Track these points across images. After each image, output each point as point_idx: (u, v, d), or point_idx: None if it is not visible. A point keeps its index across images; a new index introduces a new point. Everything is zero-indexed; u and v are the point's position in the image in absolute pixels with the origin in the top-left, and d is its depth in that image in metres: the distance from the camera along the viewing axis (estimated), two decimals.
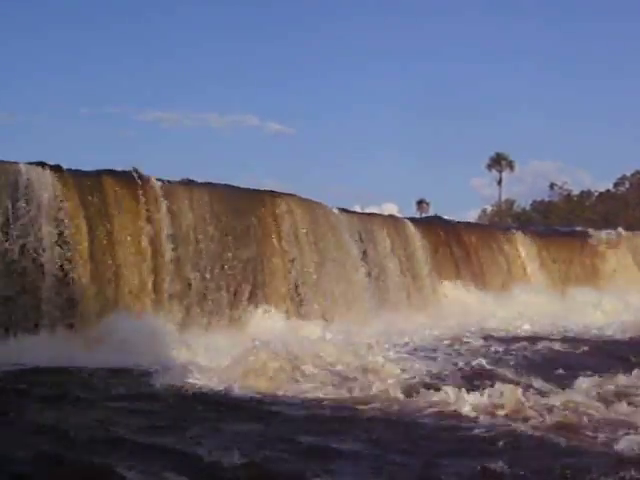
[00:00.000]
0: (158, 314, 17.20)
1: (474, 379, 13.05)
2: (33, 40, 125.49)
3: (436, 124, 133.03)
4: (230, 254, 19.85)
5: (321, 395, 11.70)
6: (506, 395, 10.81)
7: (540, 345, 18.83)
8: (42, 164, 17.13)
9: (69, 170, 17.68)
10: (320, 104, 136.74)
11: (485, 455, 8.22)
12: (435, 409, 10.66)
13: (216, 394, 11.69)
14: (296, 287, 21.44)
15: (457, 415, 10.30)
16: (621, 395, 11.47)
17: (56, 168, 17.27)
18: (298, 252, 21.80)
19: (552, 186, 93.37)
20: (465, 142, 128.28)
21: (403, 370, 13.81)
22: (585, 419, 9.94)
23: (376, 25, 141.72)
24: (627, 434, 9.01)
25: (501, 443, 8.76)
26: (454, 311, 25.51)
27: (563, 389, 11.78)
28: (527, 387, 11.86)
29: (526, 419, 9.92)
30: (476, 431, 9.40)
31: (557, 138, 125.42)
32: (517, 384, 11.87)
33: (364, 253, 25.08)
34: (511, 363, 15.64)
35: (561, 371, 14.13)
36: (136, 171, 18.74)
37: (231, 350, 14.10)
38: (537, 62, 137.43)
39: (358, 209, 31.82)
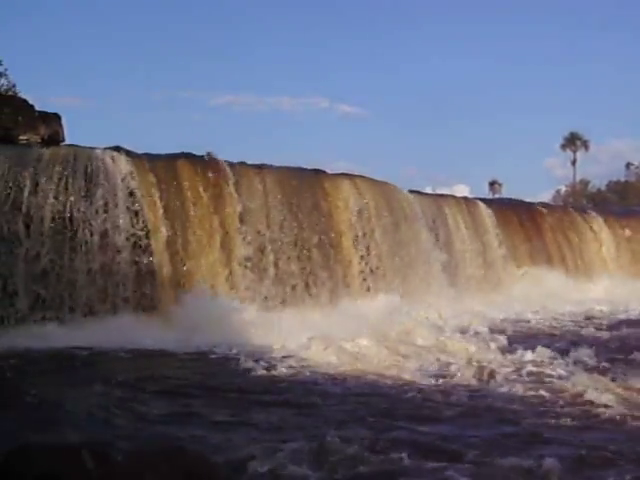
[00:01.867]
0: (234, 295, 17.32)
1: None
2: (105, 25, 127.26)
3: (509, 104, 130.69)
4: (302, 236, 19.89)
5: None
6: None
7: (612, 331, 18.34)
8: (117, 148, 17.44)
9: (144, 154, 17.97)
10: (390, 86, 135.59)
11: None
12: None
13: (305, 379, 11.62)
14: (369, 270, 21.34)
15: None
16: None
17: (131, 152, 17.56)
18: (370, 234, 21.70)
19: (628, 166, 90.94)
20: (538, 122, 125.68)
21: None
22: None
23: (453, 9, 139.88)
24: None
25: None
26: (528, 293, 25.07)
27: None
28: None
29: None
30: None
31: (634, 116, 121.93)
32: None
33: (436, 235, 24.86)
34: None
35: None
36: (209, 154, 18.92)
37: (309, 332, 14.14)
38: (610, 40, 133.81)
39: (429, 191, 31.55)
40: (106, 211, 16.30)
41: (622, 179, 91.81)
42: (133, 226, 16.54)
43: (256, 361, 12.53)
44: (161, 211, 17.10)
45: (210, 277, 17.51)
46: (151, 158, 18.08)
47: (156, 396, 10.24)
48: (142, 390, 10.56)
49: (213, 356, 13.38)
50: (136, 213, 16.67)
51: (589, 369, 12.10)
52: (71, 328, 14.75)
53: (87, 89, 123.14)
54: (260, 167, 20.37)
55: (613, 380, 11.07)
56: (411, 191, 25.67)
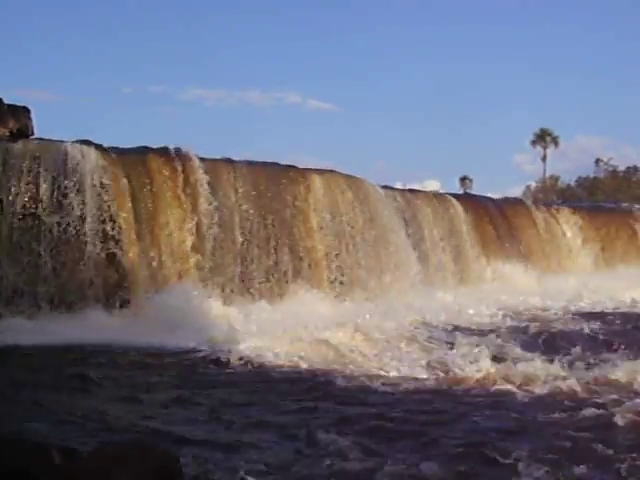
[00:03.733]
0: (204, 290, 17.28)
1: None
2: (74, 18, 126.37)
3: (480, 100, 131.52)
4: (271, 230, 19.89)
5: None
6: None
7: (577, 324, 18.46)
8: (87, 142, 17.33)
9: (113, 148, 17.87)
10: (361, 81, 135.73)
11: None
12: None
13: (278, 372, 11.66)
14: (340, 265, 21.39)
15: None
16: None
17: (100, 146, 17.45)
18: (339, 228, 21.75)
19: (597, 162, 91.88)
20: (508, 118, 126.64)
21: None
22: None
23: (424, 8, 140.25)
24: None
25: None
26: (497, 289, 25.25)
27: None
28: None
29: None
30: None
31: (603, 113, 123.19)
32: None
33: (407, 229, 24.94)
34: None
35: None
36: (179, 150, 18.84)
37: (278, 326, 14.17)
38: (581, 38, 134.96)
39: (400, 186, 31.61)
40: (75, 205, 16.21)
41: (591, 175, 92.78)
42: (103, 221, 16.46)
43: (224, 356, 12.53)
44: (131, 205, 17.03)
45: (180, 272, 17.47)
46: (121, 152, 17.98)
47: (122, 392, 10.22)
48: (108, 386, 10.54)
49: (182, 351, 13.29)
50: (106, 207, 16.59)
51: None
52: (39, 323, 14.67)
53: (56, 83, 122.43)
54: (231, 162, 20.33)
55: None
56: (382, 186, 25.73)
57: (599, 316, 20.01)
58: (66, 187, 16.26)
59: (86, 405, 9.32)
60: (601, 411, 8.84)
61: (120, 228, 16.62)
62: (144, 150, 18.59)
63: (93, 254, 16.19)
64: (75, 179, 16.39)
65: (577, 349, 12.95)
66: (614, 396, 9.59)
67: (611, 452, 7.35)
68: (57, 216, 16.00)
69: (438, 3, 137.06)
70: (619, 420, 8.41)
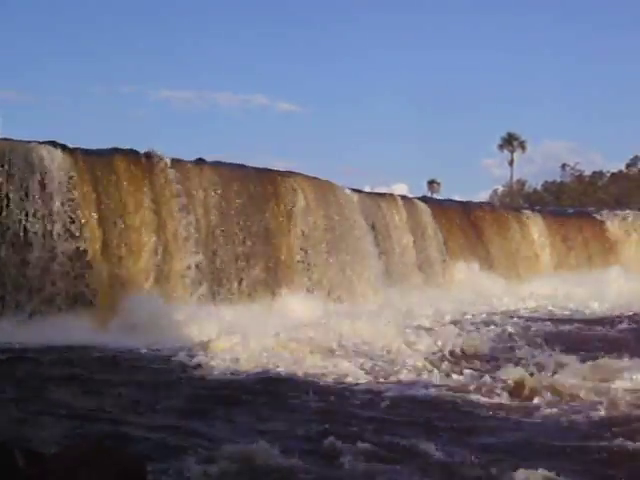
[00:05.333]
0: (171, 293, 17.23)
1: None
2: (45, 18, 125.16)
3: (447, 104, 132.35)
4: (240, 233, 19.89)
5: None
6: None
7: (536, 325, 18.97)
8: (53, 143, 17.20)
9: (81, 149, 17.74)
10: (330, 84, 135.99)
11: None
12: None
13: (237, 377, 11.68)
14: (308, 268, 21.44)
15: None
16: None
17: (68, 147, 17.33)
18: (308, 231, 21.81)
19: (564, 167, 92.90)
20: (476, 122, 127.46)
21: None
22: None
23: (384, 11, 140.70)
24: None
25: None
26: (463, 291, 25.48)
27: None
28: None
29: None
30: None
31: (569, 118, 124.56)
32: None
33: (375, 232, 25.06)
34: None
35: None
36: (148, 151, 18.76)
37: (246, 329, 14.19)
38: (549, 43, 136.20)
39: (368, 189, 31.75)
40: (41, 206, 16.08)
41: (557, 179, 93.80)
42: (69, 222, 16.32)
43: (189, 359, 12.57)
44: (97, 207, 16.92)
45: (147, 274, 17.39)
46: (88, 153, 17.85)
47: (87, 395, 10.16)
48: (73, 388, 10.48)
49: (149, 354, 13.29)
50: (72, 209, 16.46)
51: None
52: (3, 325, 14.53)
53: (23, 82, 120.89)
54: (200, 164, 20.30)
55: None
56: (350, 189, 25.83)
57: (550, 319, 20.76)
58: (32, 188, 16.10)
59: (50, 407, 9.26)
60: None
61: (86, 230, 16.50)
62: (112, 152, 18.48)
63: (58, 255, 16.05)
64: (41, 180, 16.25)
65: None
66: None
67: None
68: (22, 217, 15.85)
69: (407, 5, 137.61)
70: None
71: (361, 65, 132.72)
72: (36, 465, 5.12)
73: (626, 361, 12.19)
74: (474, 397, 10.25)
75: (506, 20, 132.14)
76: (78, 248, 16.28)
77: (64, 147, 17.25)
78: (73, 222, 16.35)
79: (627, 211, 41.19)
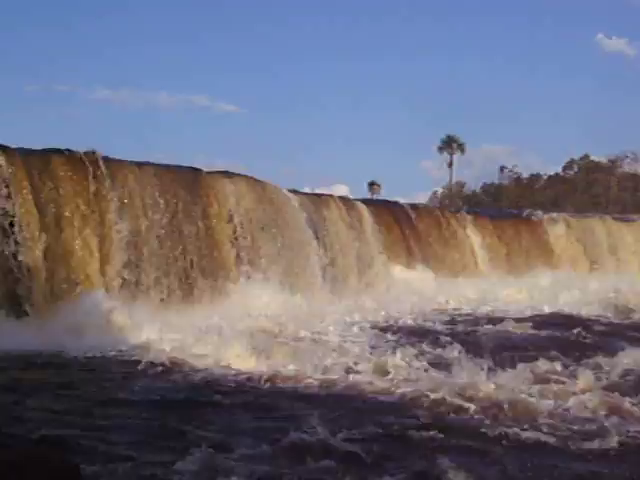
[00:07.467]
0: (110, 296, 17.05)
1: None
2: None
3: (387, 107, 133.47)
4: (178, 234, 19.82)
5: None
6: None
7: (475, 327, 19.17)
8: None
9: (17, 148, 17.41)
10: (270, 86, 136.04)
11: None
12: None
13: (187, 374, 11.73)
14: (248, 269, 21.45)
15: None
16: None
17: (3, 146, 16.99)
18: (248, 233, 21.83)
19: (502, 169, 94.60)
20: (416, 125, 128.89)
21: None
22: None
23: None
24: None
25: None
26: (402, 293, 25.77)
27: None
28: None
29: None
30: None
31: (507, 122, 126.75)
32: None
33: (315, 233, 25.15)
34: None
35: None
36: (86, 151, 18.53)
37: (188, 329, 14.20)
38: (486, 48, 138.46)
39: (308, 191, 31.89)
40: None
41: (496, 182, 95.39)
42: (5, 225, 16.01)
43: (130, 363, 12.50)
44: (35, 208, 16.61)
45: (86, 277, 17.19)
46: (25, 153, 17.51)
47: (22, 399, 10.02)
48: (7, 393, 10.35)
49: (88, 358, 13.15)
50: (7, 210, 16.15)
51: None
52: None
53: None
54: (138, 164, 20.15)
55: None
56: (290, 190, 25.88)
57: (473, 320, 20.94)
58: None
59: None
60: None
61: (23, 232, 16.19)
62: (49, 151, 18.21)
63: None
64: None
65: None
66: None
67: None
68: None
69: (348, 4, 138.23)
70: None
71: (301, 68, 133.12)
72: None
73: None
74: None
75: (441, 24, 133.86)
76: (14, 251, 15.95)
77: (1, 147, 16.92)
78: (9, 224, 16.00)
79: (563, 213, 42.17)
